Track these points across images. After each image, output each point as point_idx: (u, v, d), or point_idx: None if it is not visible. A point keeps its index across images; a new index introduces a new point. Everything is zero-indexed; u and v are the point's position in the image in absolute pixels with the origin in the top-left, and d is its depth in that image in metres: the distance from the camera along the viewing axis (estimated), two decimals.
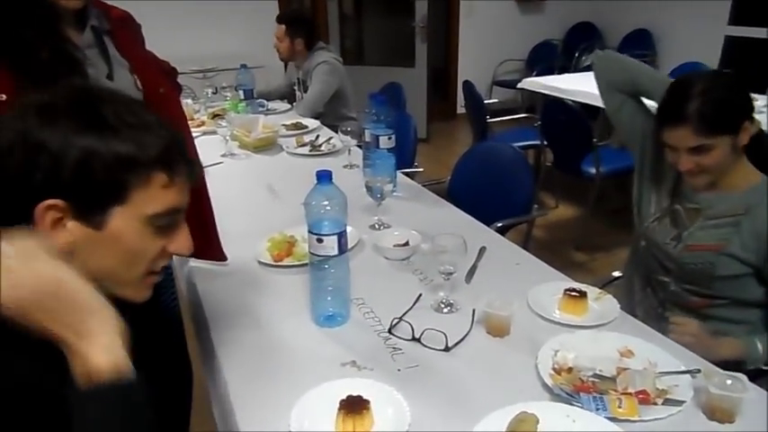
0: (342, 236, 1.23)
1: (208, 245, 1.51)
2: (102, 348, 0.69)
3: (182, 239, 0.86)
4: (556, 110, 3.63)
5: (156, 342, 1.18)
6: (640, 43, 5.98)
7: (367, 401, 0.99)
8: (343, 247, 1.24)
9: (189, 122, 2.93)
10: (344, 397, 0.99)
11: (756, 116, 2.77)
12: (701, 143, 1.36)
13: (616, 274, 1.82)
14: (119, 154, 0.75)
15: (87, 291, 0.70)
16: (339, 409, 0.98)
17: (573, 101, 3.55)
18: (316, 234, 1.22)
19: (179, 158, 0.81)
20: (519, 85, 4.52)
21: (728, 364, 1.20)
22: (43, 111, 0.74)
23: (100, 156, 0.74)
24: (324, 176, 1.22)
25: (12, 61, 1.14)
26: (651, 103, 1.55)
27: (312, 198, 1.23)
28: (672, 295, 1.54)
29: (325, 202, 1.21)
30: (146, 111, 0.81)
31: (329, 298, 1.29)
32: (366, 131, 2.07)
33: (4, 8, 1.12)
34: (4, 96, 1.17)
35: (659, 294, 1.58)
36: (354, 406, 0.98)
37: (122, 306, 0.84)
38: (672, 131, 1.39)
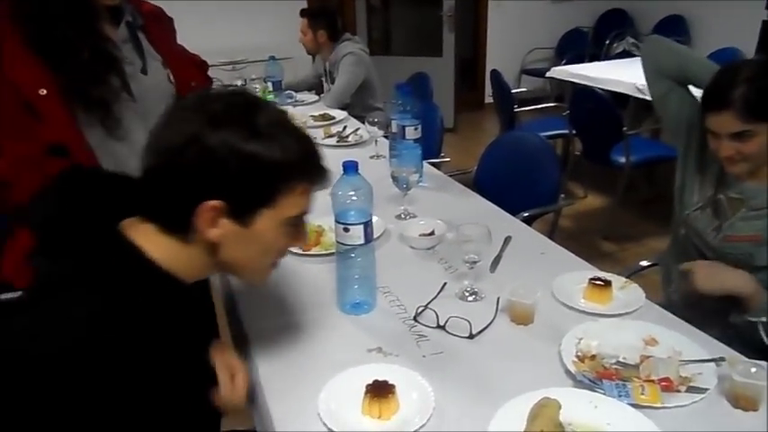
0: (368, 225, 1.26)
1: None
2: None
3: (301, 236, 0.97)
4: (585, 98, 3.59)
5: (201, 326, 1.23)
6: (674, 29, 5.83)
7: (392, 386, 1.02)
8: (369, 237, 1.27)
9: None
10: (371, 381, 1.03)
11: None
12: (742, 129, 1.35)
13: (644, 263, 1.81)
14: (272, 161, 0.83)
15: None
16: (365, 393, 1.01)
17: (602, 89, 3.51)
18: (342, 223, 1.25)
19: (317, 166, 0.91)
20: (548, 74, 4.47)
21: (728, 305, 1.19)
22: (214, 117, 0.82)
23: (258, 162, 0.82)
24: (350, 167, 1.25)
25: (53, 61, 1.18)
26: (698, 92, 1.53)
27: (338, 188, 1.25)
28: None
29: (352, 192, 1.24)
30: (288, 119, 0.89)
31: (356, 286, 1.32)
32: (392, 122, 2.08)
33: (46, 8, 1.17)
34: (45, 91, 1.22)
35: None
36: (380, 390, 1.01)
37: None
38: (715, 117, 1.39)
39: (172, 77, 1.36)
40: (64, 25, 1.20)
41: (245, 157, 0.81)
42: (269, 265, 0.97)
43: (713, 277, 1.27)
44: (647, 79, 1.70)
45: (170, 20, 1.49)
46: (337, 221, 1.26)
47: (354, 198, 1.24)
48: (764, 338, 1.32)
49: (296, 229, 0.93)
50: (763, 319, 1.31)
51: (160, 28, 1.40)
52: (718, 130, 1.40)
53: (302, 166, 0.87)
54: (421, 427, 0.97)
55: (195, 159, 0.81)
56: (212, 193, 0.82)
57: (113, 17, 1.28)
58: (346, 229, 1.25)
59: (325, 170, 0.92)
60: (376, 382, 1.03)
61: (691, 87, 1.61)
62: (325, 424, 0.99)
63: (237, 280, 1.47)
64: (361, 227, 1.25)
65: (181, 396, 0.90)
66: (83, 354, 0.75)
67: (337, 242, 1.29)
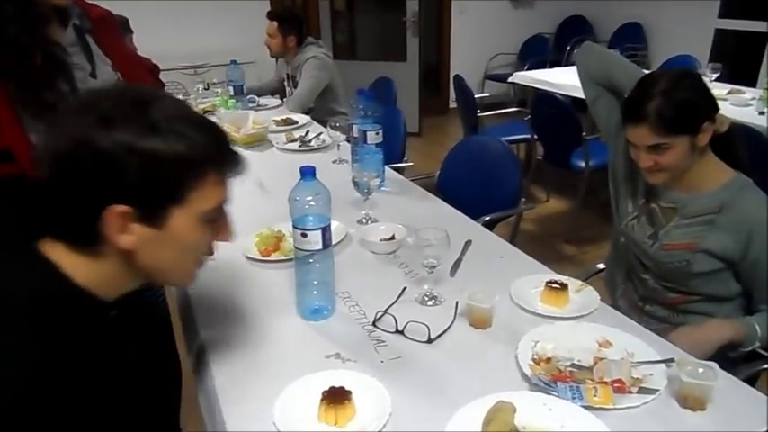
0: (326, 230, 1.25)
1: None
2: None
3: (226, 229, 0.92)
4: (546, 104, 3.65)
5: (145, 339, 1.20)
6: (632, 37, 6.00)
7: (349, 392, 1.01)
8: (327, 242, 1.26)
9: None
10: (327, 388, 1.02)
11: (742, 109, 2.81)
12: (658, 142, 1.38)
13: (600, 266, 1.84)
14: (175, 156, 0.78)
15: None
16: (321, 400, 1.00)
17: (563, 95, 3.58)
18: (300, 229, 1.24)
19: (226, 154, 0.86)
20: (510, 80, 4.55)
21: (725, 348, 1.24)
22: (103, 118, 0.76)
23: (159, 160, 0.77)
24: (307, 172, 1.24)
25: (2, 66, 1.15)
26: None
27: (296, 193, 1.24)
28: (651, 291, 1.57)
29: (309, 198, 1.23)
30: (189, 109, 0.85)
31: (315, 292, 1.31)
32: (354, 127, 2.08)
33: None
34: None
35: (639, 290, 1.61)
36: (336, 396, 1.00)
37: (111, 304, 0.87)
38: (633, 129, 1.42)
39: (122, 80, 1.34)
40: (14, 29, 1.16)
41: (145, 156, 0.75)
42: (193, 265, 0.91)
43: (701, 344, 1.29)
44: (581, 84, 1.74)
45: (119, 23, 1.47)
46: (295, 227, 1.25)
47: (312, 203, 1.24)
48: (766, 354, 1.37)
49: (216, 222, 0.88)
50: (757, 344, 1.36)
51: (109, 31, 1.37)
52: (635, 142, 1.43)
53: (209, 156, 0.82)
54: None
55: (89, 165, 0.75)
56: (115, 199, 0.76)
57: (61, 20, 1.25)
58: (304, 235, 1.24)
59: (235, 157, 0.87)
60: (332, 388, 1.02)
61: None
62: (278, 430, 0.98)
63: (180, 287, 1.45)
64: (319, 232, 1.24)
65: (117, 416, 0.86)
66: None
67: (295, 248, 1.28)
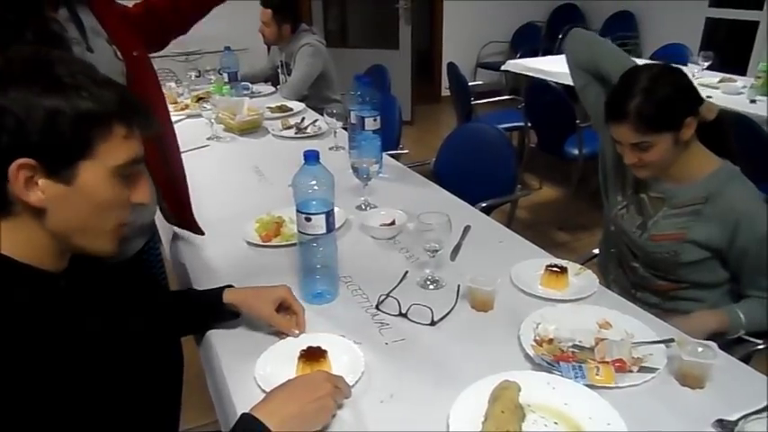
0: (329, 215, 1.26)
1: (182, 211, 1.57)
2: (288, 418, 0.87)
3: (143, 189, 0.90)
4: (539, 92, 3.67)
5: (148, 326, 1.20)
6: (623, 25, 6.02)
7: (324, 351, 1.08)
8: (330, 226, 1.27)
9: (173, 105, 2.96)
10: (305, 348, 1.08)
11: (734, 97, 2.82)
12: (640, 140, 1.40)
13: (596, 251, 1.87)
14: (81, 110, 0.78)
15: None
16: (299, 358, 1.07)
17: (556, 83, 3.59)
18: (304, 213, 1.24)
19: (134, 110, 0.85)
20: (503, 68, 4.55)
21: (712, 337, 1.26)
22: (2, 76, 0.76)
23: (64, 114, 0.76)
24: (311, 156, 1.24)
25: None
26: None
27: (300, 178, 1.25)
28: (641, 279, 1.60)
29: (313, 182, 1.24)
30: (94, 70, 0.83)
31: (318, 276, 1.32)
32: (351, 113, 2.09)
33: None
34: None
35: (630, 277, 1.64)
36: (312, 355, 1.07)
37: (111, 289, 0.87)
38: (615, 127, 1.43)
39: (120, 54, 1.33)
40: (6, 5, 1.15)
41: (47, 111, 0.75)
42: (111, 228, 0.87)
43: (697, 328, 1.31)
44: (569, 71, 1.74)
45: None
46: (299, 211, 1.26)
47: (316, 188, 1.24)
48: (754, 341, 1.39)
49: (130, 180, 0.87)
50: (742, 331, 1.38)
51: (105, 3, 1.36)
52: (619, 140, 1.45)
53: (115, 109, 0.81)
54: (352, 386, 1.02)
55: None
56: (18, 154, 0.75)
57: None
58: (308, 219, 1.24)
59: (143, 110, 0.87)
60: (309, 348, 1.08)
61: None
62: (259, 386, 1.04)
63: (194, 266, 1.45)
64: (323, 216, 1.25)
65: (96, 393, 0.85)
66: None
67: (299, 232, 1.28)
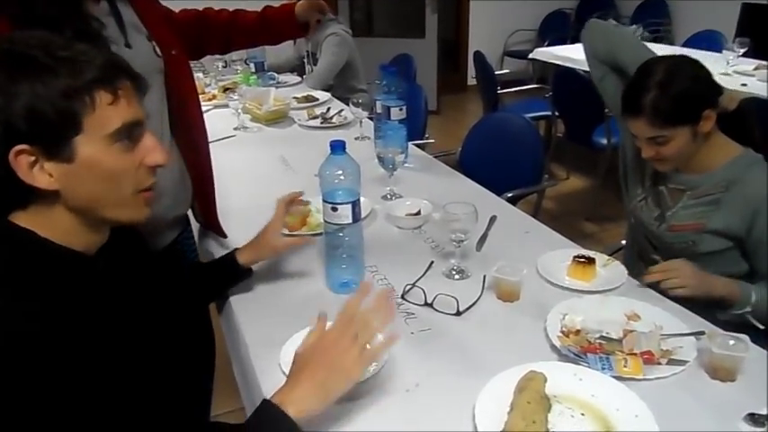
0: (356, 204, 1.27)
1: (208, 211, 1.59)
2: (311, 407, 0.86)
3: (154, 150, 0.88)
4: (567, 80, 3.61)
5: (183, 315, 1.23)
6: (655, 12, 5.88)
7: None
8: (357, 216, 1.28)
9: (200, 96, 2.98)
10: None
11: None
12: (656, 134, 1.37)
13: (624, 242, 1.84)
14: (59, 88, 0.77)
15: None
16: None
17: (584, 71, 3.51)
18: (330, 203, 1.25)
19: (118, 74, 0.83)
20: (530, 56, 4.49)
21: (713, 305, 1.23)
22: None
23: (41, 96, 0.76)
24: (337, 146, 1.25)
25: None
26: None
27: (326, 168, 1.26)
28: None
29: (339, 172, 1.25)
30: (77, 43, 0.82)
31: (344, 266, 1.33)
32: (377, 103, 2.08)
33: None
34: None
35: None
36: None
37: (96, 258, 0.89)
38: (632, 121, 1.41)
39: (158, 50, 1.34)
40: (47, 3, 1.17)
41: (26, 96, 0.75)
42: (131, 193, 0.87)
43: (696, 278, 1.28)
44: (587, 62, 1.71)
45: None
46: (325, 201, 1.26)
47: (342, 177, 1.25)
48: (757, 324, 1.35)
49: (135, 143, 0.86)
50: (748, 308, 1.34)
51: (147, 1, 1.38)
52: (636, 134, 1.42)
53: (96, 79, 0.79)
54: (373, 374, 1.03)
55: None
56: (12, 143, 0.76)
57: None
58: (334, 209, 1.25)
59: (125, 72, 0.84)
60: None
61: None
62: (284, 372, 1.03)
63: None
64: (350, 206, 1.25)
65: (136, 375, 0.87)
66: (9, 352, 0.72)
67: (325, 222, 1.29)
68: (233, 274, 1.31)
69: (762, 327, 1.35)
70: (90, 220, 0.86)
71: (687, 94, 1.35)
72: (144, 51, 1.31)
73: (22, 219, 0.83)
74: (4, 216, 0.83)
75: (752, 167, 1.40)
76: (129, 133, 0.84)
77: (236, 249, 1.30)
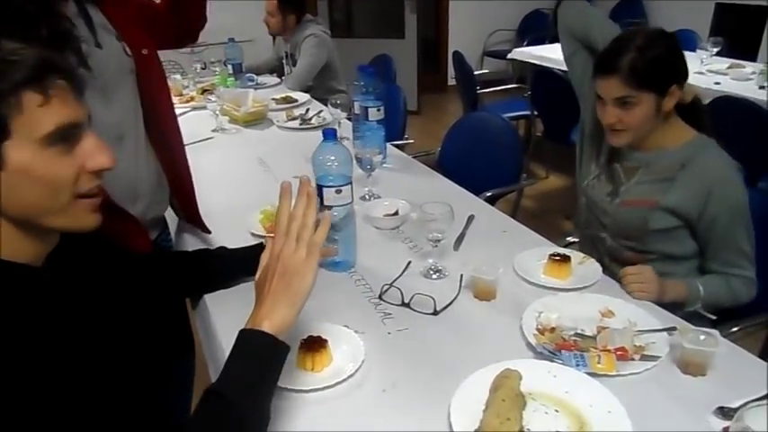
0: (351, 185, 1.38)
1: (189, 208, 1.59)
2: (281, 315, 0.87)
3: (95, 154, 0.81)
4: (546, 80, 3.64)
5: (161, 316, 1.21)
6: (631, 11, 5.95)
7: (325, 341, 1.09)
8: (352, 195, 1.39)
9: (177, 98, 2.96)
10: (305, 337, 1.09)
11: (743, 83, 2.78)
12: (626, 94, 1.40)
13: (569, 239, 1.87)
14: None
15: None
16: (299, 348, 1.08)
17: (563, 71, 3.55)
18: (334, 186, 1.33)
19: (49, 73, 0.76)
20: (509, 56, 4.52)
21: (667, 306, 1.26)
22: None
23: None
24: (329, 133, 1.35)
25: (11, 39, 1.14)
26: None
27: (322, 155, 1.34)
28: (609, 250, 1.59)
29: (335, 157, 1.34)
30: (6, 40, 0.76)
31: (340, 246, 1.38)
32: (355, 103, 2.08)
33: None
34: None
35: (599, 249, 1.63)
36: (313, 345, 1.08)
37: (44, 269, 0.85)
38: (603, 81, 1.44)
39: (129, 50, 1.34)
40: (22, 1, 1.15)
41: None
42: (69, 199, 0.80)
43: (655, 293, 1.30)
44: (560, 38, 1.76)
45: None
46: (327, 186, 1.33)
47: (336, 163, 1.33)
48: (709, 316, 1.41)
49: (72, 146, 0.79)
50: (699, 304, 1.39)
51: (115, 1, 1.36)
52: (604, 95, 1.45)
53: (23, 80, 0.73)
54: (350, 375, 1.04)
55: None
56: None
57: None
58: (338, 191, 1.34)
59: (63, 72, 0.78)
60: (310, 337, 1.09)
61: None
62: None
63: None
64: (349, 186, 1.36)
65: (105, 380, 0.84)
66: None
67: (328, 207, 1.34)
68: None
69: (713, 317, 1.41)
70: (31, 229, 0.80)
71: (663, 61, 1.41)
72: (114, 51, 1.31)
73: None
74: None
75: (707, 149, 1.45)
76: (65, 136, 0.77)
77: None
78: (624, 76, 1.39)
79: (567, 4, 1.74)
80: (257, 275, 0.95)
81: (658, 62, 1.40)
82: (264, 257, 0.95)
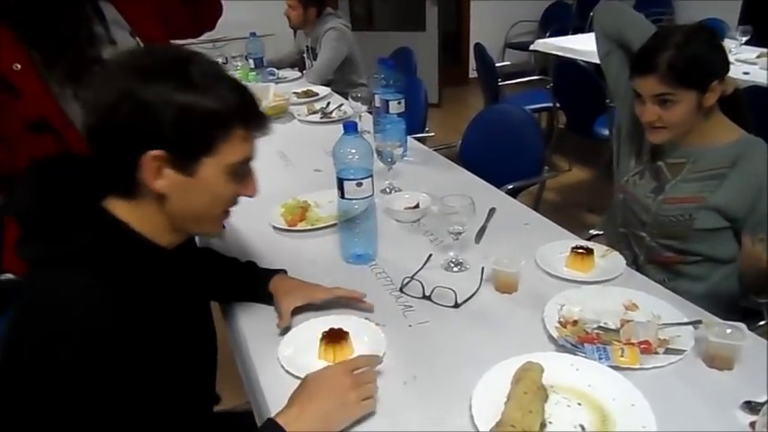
0: (372, 178, 1.37)
1: None
2: (310, 428, 0.89)
3: (251, 184, 0.98)
4: (569, 71, 3.60)
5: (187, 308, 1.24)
6: (657, 2, 5.83)
7: (346, 333, 1.10)
8: (373, 188, 1.39)
9: None
10: (326, 330, 1.11)
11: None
12: (665, 91, 1.38)
13: (592, 231, 1.85)
14: (208, 109, 0.84)
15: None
16: (321, 340, 1.09)
17: (586, 62, 3.51)
18: (355, 179, 1.33)
19: (254, 113, 0.92)
20: (531, 47, 4.47)
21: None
22: (145, 72, 0.83)
23: (193, 111, 0.83)
24: (350, 126, 1.36)
25: (32, 37, 1.17)
26: None
27: (343, 148, 1.35)
28: (647, 250, 1.57)
29: (356, 150, 1.34)
30: (223, 70, 0.90)
31: (360, 239, 1.41)
32: (376, 97, 2.08)
33: None
34: (19, 66, 1.21)
35: (634, 249, 1.60)
36: (334, 337, 1.09)
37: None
38: (641, 79, 1.41)
39: (142, 45, 1.36)
40: (50, 6, 1.18)
41: (180, 108, 0.82)
42: (219, 215, 0.98)
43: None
44: (595, 39, 1.73)
45: None
46: (348, 179, 1.33)
47: (357, 156, 1.33)
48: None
49: (242, 177, 0.94)
50: None
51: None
52: (643, 93, 1.42)
53: (238, 112, 0.88)
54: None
55: (130, 114, 0.82)
56: (152, 146, 0.83)
57: None
58: (359, 184, 1.34)
59: (262, 115, 0.94)
60: (331, 329, 1.11)
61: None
62: (283, 367, 1.07)
63: (222, 249, 1.49)
64: (370, 179, 1.36)
65: (180, 365, 0.96)
66: (84, 331, 0.79)
67: (348, 200, 1.35)
68: (254, 293, 1.29)
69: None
70: (178, 224, 0.94)
71: (702, 58, 1.38)
72: (128, 47, 1.32)
73: (121, 209, 0.89)
74: (99, 200, 0.89)
75: (758, 147, 1.41)
76: (243, 168, 0.94)
77: (274, 275, 1.28)
78: (662, 73, 1.36)
79: (602, 4, 1.73)
80: (312, 373, 0.97)
81: (698, 59, 1.37)
82: (328, 367, 1.00)
